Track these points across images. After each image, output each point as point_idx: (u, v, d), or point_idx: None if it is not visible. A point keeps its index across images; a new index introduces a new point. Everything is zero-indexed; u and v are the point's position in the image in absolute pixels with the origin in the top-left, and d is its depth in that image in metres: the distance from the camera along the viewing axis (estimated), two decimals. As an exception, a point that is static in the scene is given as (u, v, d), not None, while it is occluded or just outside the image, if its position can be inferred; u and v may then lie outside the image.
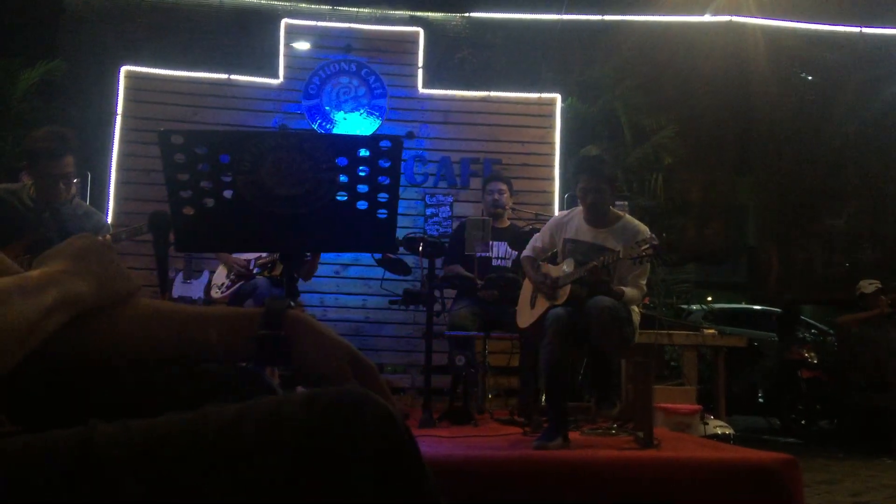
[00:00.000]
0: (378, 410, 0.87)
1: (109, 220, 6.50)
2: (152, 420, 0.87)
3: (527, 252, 4.52)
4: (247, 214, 1.84)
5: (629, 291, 3.92)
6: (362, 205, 1.87)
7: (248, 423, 0.86)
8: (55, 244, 3.27)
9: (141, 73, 6.98)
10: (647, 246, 3.66)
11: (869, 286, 7.42)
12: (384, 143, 1.81)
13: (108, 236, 3.70)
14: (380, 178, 1.83)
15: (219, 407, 0.89)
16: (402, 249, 5.15)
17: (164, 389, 1.02)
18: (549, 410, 3.91)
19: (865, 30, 8.93)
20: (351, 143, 1.90)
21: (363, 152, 1.83)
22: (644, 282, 4.05)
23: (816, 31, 8.89)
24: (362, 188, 1.85)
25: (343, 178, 1.84)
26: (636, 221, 4.24)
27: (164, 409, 0.90)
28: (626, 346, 4.06)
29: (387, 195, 1.85)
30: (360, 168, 1.83)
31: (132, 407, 0.91)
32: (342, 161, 1.83)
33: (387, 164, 1.81)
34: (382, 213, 1.89)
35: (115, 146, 6.79)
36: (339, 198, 1.85)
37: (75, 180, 3.86)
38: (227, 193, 1.83)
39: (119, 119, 6.82)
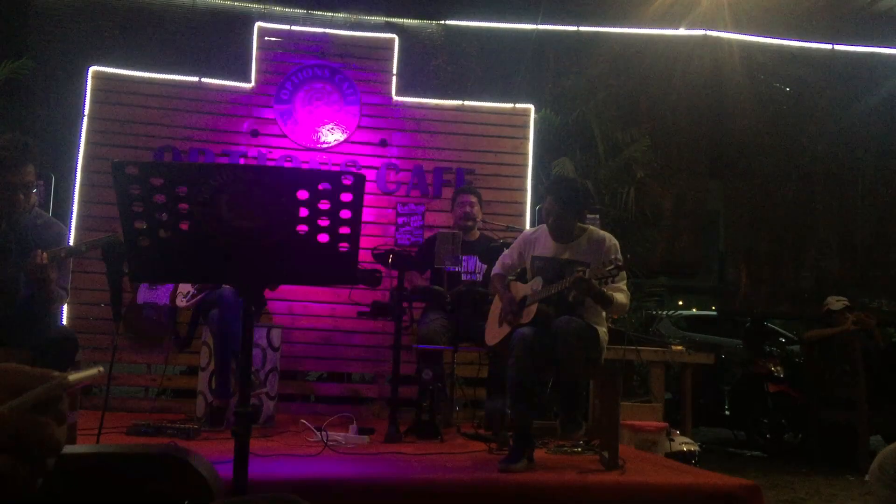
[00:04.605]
0: None
1: (73, 223, 6.38)
2: None
3: (496, 269, 4.50)
4: (203, 246, 1.78)
5: (618, 296, 3.92)
6: (323, 238, 1.84)
7: None
8: (13, 255, 3.11)
9: (110, 73, 6.84)
10: (612, 266, 3.66)
11: (836, 303, 7.49)
12: (346, 178, 1.77)
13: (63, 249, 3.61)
14: (341, 211, 1.79)
15: None
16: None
17: None
18: (515, 431, 3.89)
19: (837, 47, 9.03)
20: (312, 177, 1.85)
21: (324, 186, 1.79)
22: (625, 285, 4.06)
23: (790, 47, 8.96)
24: (323, 222, 1.81)
25: (303, 212, 1.80)
26: (601, 231, 4.24)
27: None
28: (593, 367, 4.05)
29: (348, 229, 1.81)
30: (322, 202, 1.79)
31: None
32: (303, 194, 1.79)
33: (348, 199, 1.78)
34: (343, 247, 1.86)
35: (82, 148, 6.65)
36: (299, 230, 1.81)
37: (35, 189, 3.76)
38: (184, 225, 1.79)
39: (86, 120, 6.68)
